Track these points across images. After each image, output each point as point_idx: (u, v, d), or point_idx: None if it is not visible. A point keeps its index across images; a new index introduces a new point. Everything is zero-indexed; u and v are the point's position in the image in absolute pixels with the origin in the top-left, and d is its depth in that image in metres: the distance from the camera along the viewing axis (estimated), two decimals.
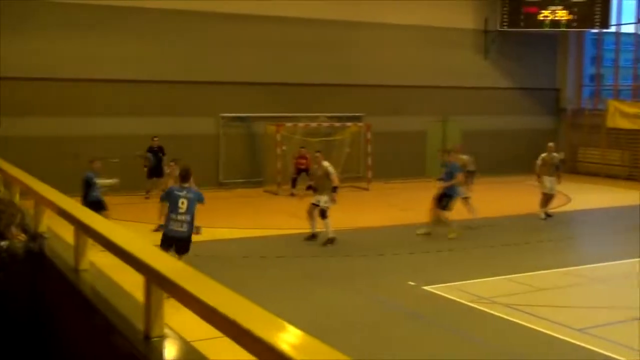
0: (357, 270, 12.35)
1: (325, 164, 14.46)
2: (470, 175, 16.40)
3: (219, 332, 2.24)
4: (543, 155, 17.35)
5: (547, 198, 17.19)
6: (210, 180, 20.68)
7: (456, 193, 15.12)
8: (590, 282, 11.71)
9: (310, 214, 14.35)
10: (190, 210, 10.22)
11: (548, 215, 17.19)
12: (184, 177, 10.53)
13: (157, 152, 19.91)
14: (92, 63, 20.32)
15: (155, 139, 19.97)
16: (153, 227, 14.11)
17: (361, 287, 10.93)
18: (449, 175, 14.93)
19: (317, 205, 14.14)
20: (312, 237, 14.38)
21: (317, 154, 15.20)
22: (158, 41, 21.19)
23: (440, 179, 15.27)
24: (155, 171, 19.70)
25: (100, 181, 13.41)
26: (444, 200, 14.83)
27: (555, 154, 17.33)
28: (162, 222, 13.85)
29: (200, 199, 10.48)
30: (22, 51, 19.06)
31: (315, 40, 23.21)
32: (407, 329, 9.17)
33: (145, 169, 19.77)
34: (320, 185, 14.28)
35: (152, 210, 17.89)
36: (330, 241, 14.01)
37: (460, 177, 15.03)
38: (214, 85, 21.96)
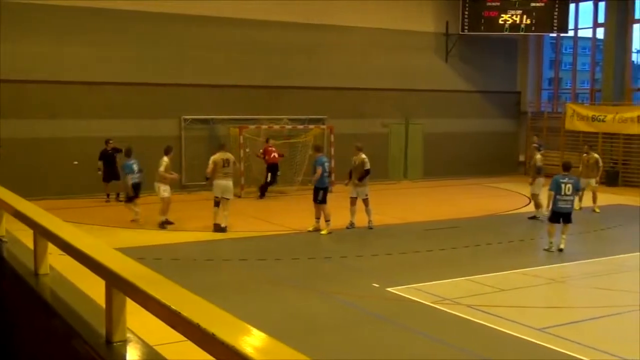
0: (320, 272, 12.37)
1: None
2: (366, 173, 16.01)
3: (182, 336, 2.22)
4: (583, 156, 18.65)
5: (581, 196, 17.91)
6: (173, 182, 20.48)
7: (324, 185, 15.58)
8: (549, 282, 11.89)
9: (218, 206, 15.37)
10: None
11: (594, 211, 18.32)
12: None
13: (111, 155, 19.58)
14: (53, 65, 20.01)
15: (110, 142, 19.64)
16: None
17: (325, 290, 10.94)
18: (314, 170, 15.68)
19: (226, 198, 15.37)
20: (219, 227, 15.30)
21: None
22: (120, 43, 20.93)
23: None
24: (112, 174, 19.42)
25: None
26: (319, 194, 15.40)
27: (594, 155, 18.17)
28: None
29: None
30: None
31: (278, 42, 23.19)
32: (371, 330, 9.20)
33: (100, 173, 19.46)
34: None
35: (115, 213, 17.76)
36: (224, 229, 15.18)
37: (319, 171, 15.47)
38: (176, 88, 21.78)
